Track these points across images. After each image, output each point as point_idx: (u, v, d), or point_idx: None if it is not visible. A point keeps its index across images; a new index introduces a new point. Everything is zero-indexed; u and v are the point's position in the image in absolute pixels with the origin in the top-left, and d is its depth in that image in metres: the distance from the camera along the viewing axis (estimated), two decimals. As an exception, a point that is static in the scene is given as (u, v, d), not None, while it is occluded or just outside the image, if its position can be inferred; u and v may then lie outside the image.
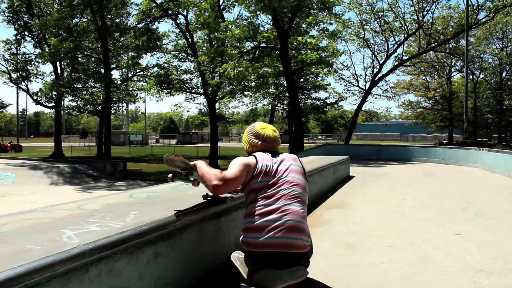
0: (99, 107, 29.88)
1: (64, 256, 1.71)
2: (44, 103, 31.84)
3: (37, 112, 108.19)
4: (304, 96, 30.99)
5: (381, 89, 28.97)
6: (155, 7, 25.81)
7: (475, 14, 25.05)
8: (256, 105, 33.03)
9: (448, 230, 4.20)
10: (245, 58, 23.51)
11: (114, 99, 31.02)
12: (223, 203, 2.80)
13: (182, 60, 30.80)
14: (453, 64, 40.74)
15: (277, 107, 33.43)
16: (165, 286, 2.32)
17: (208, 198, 2.72)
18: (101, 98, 28.56)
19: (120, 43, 28.92)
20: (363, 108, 28.84)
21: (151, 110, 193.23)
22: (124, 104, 38.16)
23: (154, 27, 26.62)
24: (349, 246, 3.57)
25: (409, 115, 50.85)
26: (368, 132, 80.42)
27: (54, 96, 31.36)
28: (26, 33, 31.08)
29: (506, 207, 5.67)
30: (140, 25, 26.71)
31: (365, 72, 29.04)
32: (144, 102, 67.76)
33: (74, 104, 30.87)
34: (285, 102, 30.27)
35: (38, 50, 31.37)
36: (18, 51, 31.04)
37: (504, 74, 41.34)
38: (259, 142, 2.61)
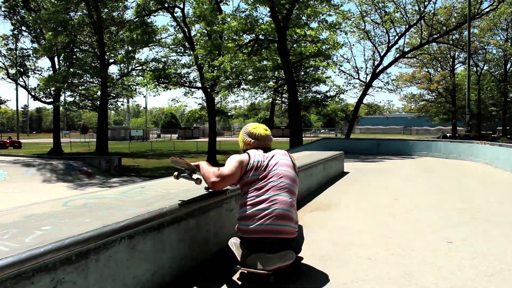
0: (98, 103, 29.56)
1: None
2: (42, 99, 31.54)
3: (39, 108, 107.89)
4: (304, 90, 30.56)
5: (382, 81, 28.65)
6: (151, 0, 25.30)
7: (479, 3, 24.34)
8: (256, 99, 32.60)
9: (440, 236, 3.72)
10: (244, 51, 22.99)
11: (112, 94, 30.66)
12: (223, 194, 3.11)
13: (180, 54, 30.36)
14: (456, 56, 40.04)
15: (277, 101, 32.95)
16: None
17: (210, 190, 2.99)
18: (98, 93, 28.12)
19: (116, 38, 28.45)
20: (364, 101, 28.44)
21: (153, 105, 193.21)
22: (124, 99, 37.89)
23: (149, 20, 26.12)
24: (323, 259, 3.11)
25: (412, 108, 50.36)
26: (371, 125, 79.76)
27: (52, 91, 31.05)
28: (23, 28, 30.70)
29: (507, 208, 5.19)
30: (136, 19, 26.25)
31: (366, 65, 28.69)
32: (145, 97, 67.41)
33: (72, 99, 30.62)
34: (285, 96, 29.76)
35: (35, 45, 31.02)
36: (16, 47, 30.72)
37: (508, 65, 40.58)
38: (252, 140, 2.94)
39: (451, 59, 40.76)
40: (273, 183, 2.65)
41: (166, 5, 26.07)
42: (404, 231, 3.95)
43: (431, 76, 42.09)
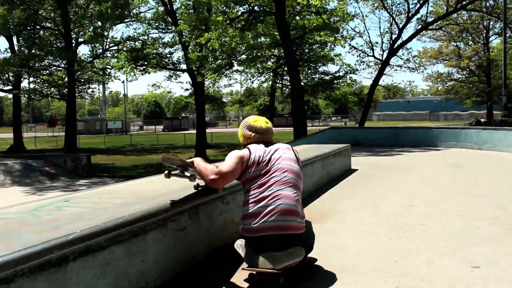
0: (66, 90, 29.14)
1: None
2: (-2, 86, 31.19)
3: (0, 97, 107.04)
4: (310, 70, 30.08)
5: (401, 59, 28.39)
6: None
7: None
8: (252, 82, 32.12)
9: (463, 258, 3.29)
10: (236, 25, 22.47)
11: (81, 79, 30.22)
12: (215, 193, 3.29)
13: (162, 30, 29.89)
14: (491, 26, 39.31)
15: (278, 85, 32.50)
16: None
17: (199, 188, 3.16)
18: (63, 79, 27.68)
19: (84, 12, 27.90)
20: (381, 82, 28.24)
21: (135, 91, 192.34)
22: (98, 86, 37.45)
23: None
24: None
25: (439, 90, 50.04)
26: (391, 111, 79.26)
27: (11, 77, 30.63)
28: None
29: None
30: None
31: (382, 39, 28.02)
32: (123, 82, 66.64)
33: (34, 86, 30.20)
34: (286, 78, 29.30)
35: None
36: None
37: (553, 36, 39.85)
38: (253, 134, 3.18)
39: (485, 30, 40.09)
40: (276, 178, 2.89)
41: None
42: (416, 250, 3.52)
43: (461, 51, 41.50)
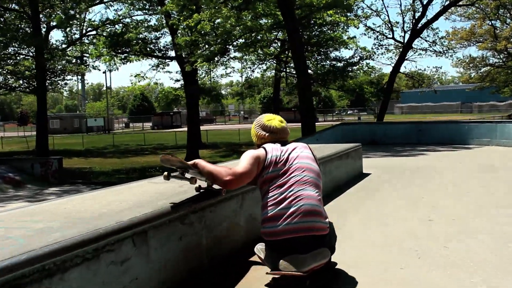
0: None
1: None
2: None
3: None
4: (319, 57, 29.74)
5: (426, 41, 28.04)
6: None
7: None
8: (253, 71, 31.80)
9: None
10: (232, 5, 22.14)
11: (53, 70, 29.98)
12: (219, 195, 3.47)
13: (148, 12, 29.65)
14: (532, 1, 38.76)
15: (283, 74, 32.17)
16: None
17: (201, 191, 3.38)
18: (31, 69, 27.46)
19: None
20: (403, 69, 27.99)
21: (121, 83, 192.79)
22: (75, 77, 37.26)
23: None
24: None
25: (472, 77, 49.69)
26: (416, 102, 78.82)
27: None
28: None
29: None
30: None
31: (403, 18, 27.70)
32: (104, 73, 66.42)
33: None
34: (291, 65, 28.97)
35: None
36: None
37: None
38: (267, 134, 3.43)
39: (525, 7, 39.56)
40: (296, 178, 3.11)
41: None
42: (433, 286, 3.14)
43: (497, 31, 40.95)
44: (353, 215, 5.41)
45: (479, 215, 5.28)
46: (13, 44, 26.65)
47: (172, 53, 28.86)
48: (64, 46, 30.92)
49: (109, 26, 30.42)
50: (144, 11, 29.36)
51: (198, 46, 21.99)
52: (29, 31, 27.57)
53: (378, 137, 15.80)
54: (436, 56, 28.42)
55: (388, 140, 15.33)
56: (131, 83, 29.32)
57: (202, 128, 47.48)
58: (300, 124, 20.36)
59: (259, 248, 3.21)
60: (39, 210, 3.39)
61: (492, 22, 40.35)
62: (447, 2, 26.53)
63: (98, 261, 2.56)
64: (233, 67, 66.66)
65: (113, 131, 62.09)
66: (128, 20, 29.67)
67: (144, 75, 28.76)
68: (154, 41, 28.76)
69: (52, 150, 36.82)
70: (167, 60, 29.63)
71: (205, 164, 3.20)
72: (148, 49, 28.05)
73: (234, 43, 24.24)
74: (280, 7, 19.74)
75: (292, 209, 2.99)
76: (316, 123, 21.83)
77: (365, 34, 30.09)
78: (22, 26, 28.87)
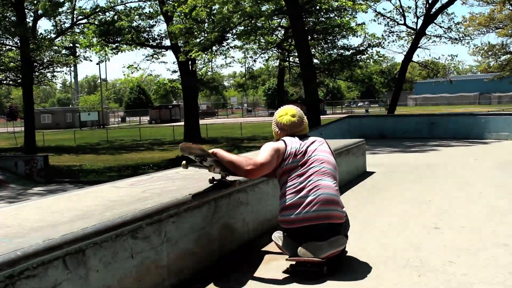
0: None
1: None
2: None
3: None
4: (326, 45, 29.40)
5: (441, 27, 27.55)
6: None
7: None
8: (255, 61, 31.44)
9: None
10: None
11: (40, 61, 29.80)
12: (232, 187, 3.72)
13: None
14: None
15: (285, 63, 31.85)
16: None
17: (215, 182, 3.62)
18: (16, 61, 27.27)
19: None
20: (416, 58, 27.70)
21: (117, 75, 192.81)
22: (63, 69, 37.05)
23: None
24: None
25: (491, 66, 49.42)
26: (430, 93, 78.39)
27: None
28: None
29: None
30: None
31: (416, 3, 27.27)
32: (98, 64, 65.91)
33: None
34: (295, 55, 28.62)
35: None
36: None
37: None
38: (279, 131, 3.79)
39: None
40: (315, 169, 3.42)
41: None
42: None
43: (518, 17, 40.60)
44: (351, 222, 5.04)
45: (494, 222, 4.89)
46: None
47: (167, 42, 28.61)
48: (53, 35, 30.76)
49: (100, 14, 30.20)
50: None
51: (193, 34, 21.67)
52: (11, 20, 27.38)
53: (387, 131, 15.58)
54: (452, 43, 28.15)
55: (398, 134, 15.12)
56: (124, 74, 29.11)
57: (202, 122, 47.33)
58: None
59: (277, 236, 3.49)
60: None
61: (513, 6, 39.99)
62: (463, -15, 26.16)
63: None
64: (233, 57, 66.55)
65: (108, 125, 61.96)
66: (121, 7, 29.49)
67: (138, 66, 28.49)
68: (148, 29, 28.49)
69: (42, 146, 36.77)
70: (162, 50, 29.40)
71: (225, 153, 3.46)
72: (141, 38, 27.74)
73: (233, 31, 23.91)
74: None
75: (310, 198, 3.30)
76: (324, 116, 21.61)
77: (374, 21, 29.57)
78: (8, 14, 28.64)
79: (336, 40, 29.26)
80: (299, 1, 20.45)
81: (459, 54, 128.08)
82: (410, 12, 29.25)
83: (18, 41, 26.90)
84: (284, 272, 3.34)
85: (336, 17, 27.59)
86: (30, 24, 30.70)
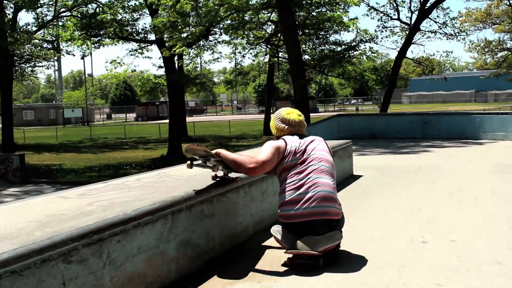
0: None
1: None
2: None
3: None
4: (317, 40, 29.16)
5: (436, 22, 27.45)
6: None
7: None
8: (243, 56, 31.18)
9: None
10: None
11: (20, 55, 29.36)
12: (234, 183, 4.02)
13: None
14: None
15: (274, 59, 31.59)
16: None
17: (217, 179, 3.88)
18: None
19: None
20: (410, 54, 27.59)
21: (103, 71, 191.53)
22: (45, 63, 36.59)
23: None
24: None
25: (487, 63, 49.65)
26: (425, 91, 78.54)
27: None
28: None
29: None
30: None
31: (410, -3, 27.11)
32: (82, 58, 65.27)
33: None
34: (284, 50, 28.38)
35: None
36: None
37: None
38: (286, 127, 4.03)
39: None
40: (314, 167, 3.71)
41: None
42: None
43: (515, 12, 40.59)
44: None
45: (487, 234, 4.58)
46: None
47: (152, 37, 28.20)
48: (35, 28, 30.33)
49: (83, 6, 29.79)
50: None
51: (178, 28, 21.29)
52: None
53: (378, 131, 15.50)
54: (447, 39, 28.12)
55: (390, 134, 15.03)
56: (107, 70, 28.68)
57: (190, 119, 47.01)
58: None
59: (276, 230, 3.80)
60: None
61: (511, 1, 39.89)
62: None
63: None
64: (221, 52, 66.19)
65: (93, 123, 61.40)
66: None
67: (121, 61, 28.09)
68: (132, 23, 28.04)
69: (21, 144, 36.33)
70: (147, 45, 28.99)
71: (227, 153, 3.75)
72: (125, 31, 27.33)
73: (220, 25, 23.59)
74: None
75: (309, 194, 3.56)
76: (316, 114, 21.32)
77: (367, 15, 29.43)
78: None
79: (328, 36, 29.05)
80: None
81: (455, 51, 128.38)
82: (404, 7, 29.10)
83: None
84: (283, 265, 3.64)
85: (327, 11, 27.38)
86: (10, 16, 30.32)
